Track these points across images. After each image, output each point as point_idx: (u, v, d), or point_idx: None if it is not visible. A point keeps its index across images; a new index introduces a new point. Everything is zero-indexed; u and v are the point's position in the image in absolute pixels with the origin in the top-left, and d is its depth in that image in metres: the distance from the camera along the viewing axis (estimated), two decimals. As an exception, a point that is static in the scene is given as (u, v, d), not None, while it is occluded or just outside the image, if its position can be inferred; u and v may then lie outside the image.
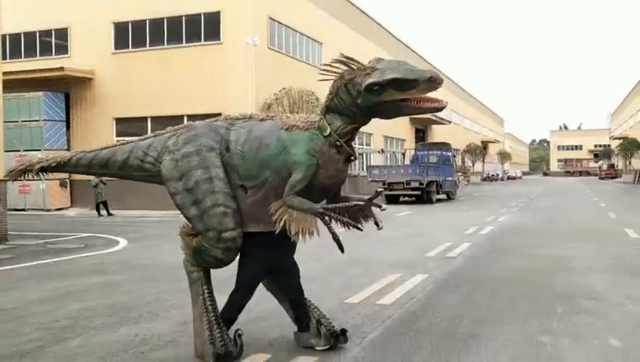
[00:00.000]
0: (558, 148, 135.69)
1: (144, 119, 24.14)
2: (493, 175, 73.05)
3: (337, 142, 4.04)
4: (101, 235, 13.88)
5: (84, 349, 4.66)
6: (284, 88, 21.81)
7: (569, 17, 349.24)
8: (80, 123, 25.01)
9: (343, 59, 3.95)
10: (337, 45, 30.27)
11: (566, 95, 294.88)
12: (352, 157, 4.16)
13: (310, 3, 27.46)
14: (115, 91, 24.14)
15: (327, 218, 3.99)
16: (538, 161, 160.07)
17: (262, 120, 4.40)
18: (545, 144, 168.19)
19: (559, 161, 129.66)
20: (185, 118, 23.38)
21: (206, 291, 4.38)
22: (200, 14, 23.29)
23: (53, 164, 5.00)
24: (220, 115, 19.30)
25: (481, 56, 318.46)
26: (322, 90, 16.97)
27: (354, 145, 4.30)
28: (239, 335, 4.30)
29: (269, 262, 4.38)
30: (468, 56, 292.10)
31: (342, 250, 4.06)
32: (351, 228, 4.07)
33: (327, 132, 4.04)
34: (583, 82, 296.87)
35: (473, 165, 62.75)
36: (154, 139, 4.70)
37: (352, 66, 3.89)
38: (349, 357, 4.36)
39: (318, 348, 4.40)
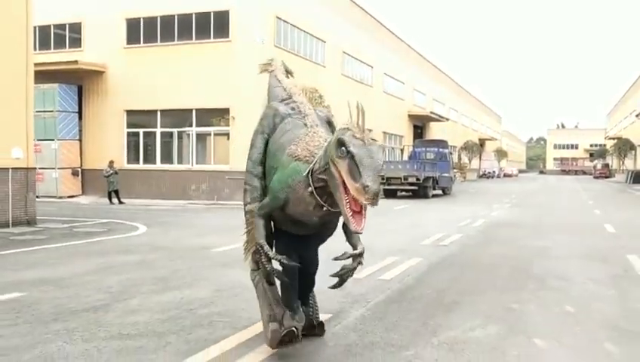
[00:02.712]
0: (555, 146, 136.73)
1: (154, 112, 25.18)
2: (489, 172, 74.22)
3: (309, 187, 3.88)
4: (119, 221, 14.96)
5: (143, 307, 5.78)
6: (289, 85, 22.91)
7: (570, 17, 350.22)
8: (92, 114, 26.03)
9: (359, 112, 3.60)
10: (340, 43, 31.36)
11: (565, 94, 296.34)
12: (324, 208, 3.91)
13: (315, 2, 28.48)
14: (126, 85, 25.11)
15: (257, 255, 4.20)
16: (535, 159, 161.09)
17: (305, 124, 4.39)
18: (542, 142, 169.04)
19: (555, 159, 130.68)
20: (193, 112, 24.51)
21: (266, 286, 4.51)
22: (210, 12, 24.25)
23: (269, 70, 5.44)
24: (227, 110, 20.57)
25: (481, 53, 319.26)
26: (325, 89, 18.64)
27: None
28: (298, 306, 4.45)
29: (295, 246, 4.41)
30: (468, 54, 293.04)
31: (269, 282, 4.39)
32: (275, 275, 4.22)
33: (306, 171, 3.92)
34: (582, 82, 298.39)
35: (470, 162, 63.89)
36: (276, 93, 5.03)
37: (359, 123, 3.57)
38: (357, 314, 5.47)
39: (292, 323, 4.40)
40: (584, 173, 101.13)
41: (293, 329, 4.29)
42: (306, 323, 4.54)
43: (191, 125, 24.73)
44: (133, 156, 25.82)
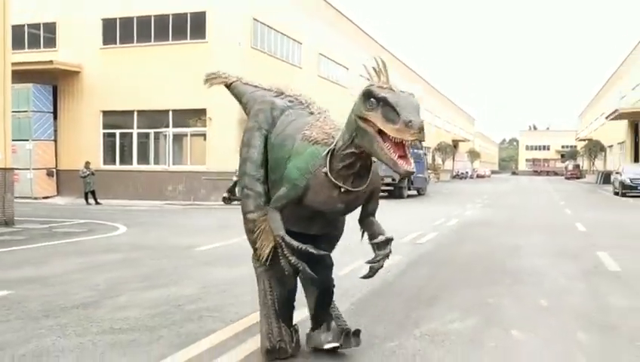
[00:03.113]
0: (527, 148, 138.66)
1: (130, 113, 25.17)
2: (462, 173, 75.17)
3: (324, 167, 3.68)
4: (98, 221, 14.98)
5: (132, 303, 5.91)
6: (265, 86, 23.05)
7: (542, 21, 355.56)
8: (67, 115, 25.87)
9: (380, 66, 3.50)
10: (316, 45, 31.58)
11: (537, 96, 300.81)
12: (342, 190, 3.69)
13: (291, 4, 28.65)
14: (102, 85, 25.03)
15: (279, 249, 3.84)
16: (507, 160, 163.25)
17: (311, 113, 4.23)
18: (514, 143, 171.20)
19: (527, 160, 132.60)
20: (170, 113, 24.52)
21: (267, 285, 4.26)
22: (186, 13, 24.31)
23: (227, 82, 5.06)
24: (204, 111, 20.67)
25: (455, 55, 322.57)
26: (301, 90, 18.76)
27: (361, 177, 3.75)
28: (295, 331, 4.26)
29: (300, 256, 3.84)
30: (442, 56, 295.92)
31: (300, 275, 4.07)
32: (301, 268, 3.79)
33: (325, 152, 3.71)
34: (554, 84, 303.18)
35: (443, 163, 64.61)
36: (257, 95, 4.64)
37: (381, 77, 3.46)
38: (342, 308, 5.64)
39: (325, 346, 4.20)
40: (556, 173, 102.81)
41: (286, 348, 4.13)
42: (338, 334, 4.18)
43: (167, 126, 24.76)
44: (109, 157, 25.75)
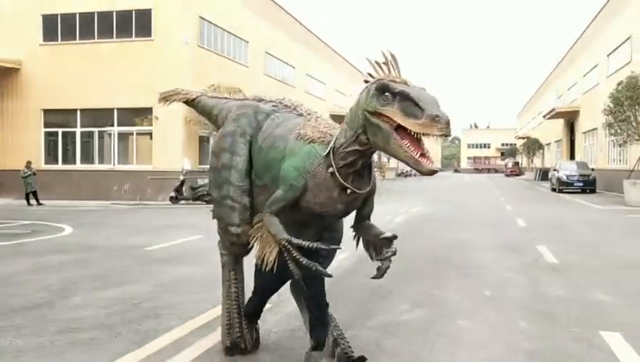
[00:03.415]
0: (468, 146, 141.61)
1: (73, 111, 24.63)
2: (407, 171, 76.32)
3: (330, 167, 3.46)
4: (43, 223, 14.67)
5: (87, 302, 5.92)
6: (212, 85, 22.97)
7: (483, 23, 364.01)
8: (5, 113, 25.13)
9: (390, 60, 3.32)
10: (263, 44, 31.60)
11: (478, 95, 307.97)
12: (348, 190, 3.52)
13: (237, 3, 28.60)
14: (43, 83, 24.44)
15: (286, 253, 3.55)
16: (450, 158, 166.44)
17: (300, 114, 4.03)
18: (456, 142, 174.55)
19: (469, 158, 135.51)
20: (115, 112, 24.14)
21: (232, 277, 4.23)
22: (131, 11, 23.99)
23: (190, 99, 4.86)
24: (150, 110, 20.41)
25: (401, 55, 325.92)
26: (249, 89, 18.99)
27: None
28: (256, 329, 4.26)
29: (285, 270, 3.63)
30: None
31: (300, 286, 3.79)
32: (314, 268, 3.53)
33: (326, 151, 3.50)
34: (495, 83, 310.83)
35: (389, 161, 65.54)
36: (232, 105, 4.46)
37: (392, 71, 3.28)
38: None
39: None
40: (496, 171, 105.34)
41: (245, 345, 4.14)
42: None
43: (112, 125, 24.35)
44: (51, 156, 25.16)
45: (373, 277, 3.81)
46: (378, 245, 3.85)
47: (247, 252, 4.15)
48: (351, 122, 3.43)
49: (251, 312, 4.20)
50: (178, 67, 22.87)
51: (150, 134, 23.81)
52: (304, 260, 3.49)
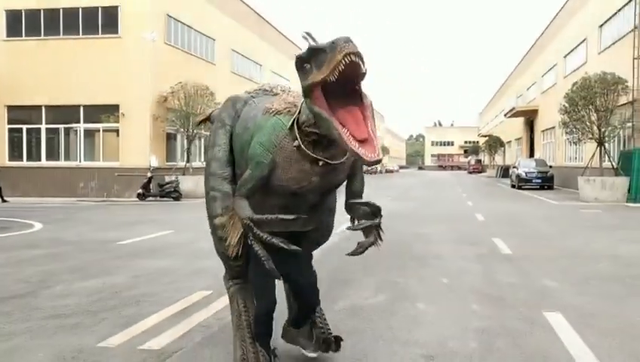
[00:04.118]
0: (432, 143, 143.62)
1: (38, 108, 24.50)
2: (372, 168, 77.18)
3: (295, 140, 3.19)
4: (10, 219, 14.77)
5: (68, 292, 6.23)
6: (180, 82, 23.20)
7: (446, 24, 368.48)
8: (-31, 109, 24.88)
9: (308, 38, 2.99)
10: (229, 42, 31.82)
11: (442, 93, 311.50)
12: (320, 163, 3.22)
13: (204, 1, 28.77)
14: (6, 79, 24.25)
15: (250, 233, 3.28)
16: (414, 156, 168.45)
17: (275, 94, 3.76)
18: (421, 139, 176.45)
19: (433, 155, 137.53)
20: (81, 108, 24.12)
21: (242, 305, 3.86)
22: (98, 7, 24.00)
23: (208, 115, 4.62)
24: (117, 106, 20.59)
25: (368, 53, 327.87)
26: (216, 86, 19.48)
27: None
28: (274, 355, 3.77)
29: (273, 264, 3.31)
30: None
31: (274, 274, 3.37)
32: (278, 244, 3.23)
33: (290, 123, 3.24)
34: (458, 81, 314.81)
35: (354, 158, 66.10)
36: None
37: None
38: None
39: (306, 353, 4.01)
40: (459, 168, 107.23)
41: None
42: (319, 343, 3.93)
43: (78, 121, 24.31)
44: (16, 153, 25.00)
45: (351, 253, 3.55)
46: (361, 219, 3.57)
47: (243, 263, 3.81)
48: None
49: (259, 330, 3.69)
50: (145, 64, 23.00)
51: (117, 131, 23.86)
52: (264, 235, 3.21)
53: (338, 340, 3.96)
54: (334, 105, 2.82)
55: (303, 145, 3.18)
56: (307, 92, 2.89)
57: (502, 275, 7.40)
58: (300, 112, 3.21)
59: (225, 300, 5.30)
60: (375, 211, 3.53)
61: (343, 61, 2.61)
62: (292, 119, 3.23)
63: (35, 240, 10.81)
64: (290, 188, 3.34)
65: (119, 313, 5.34)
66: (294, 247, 3.28)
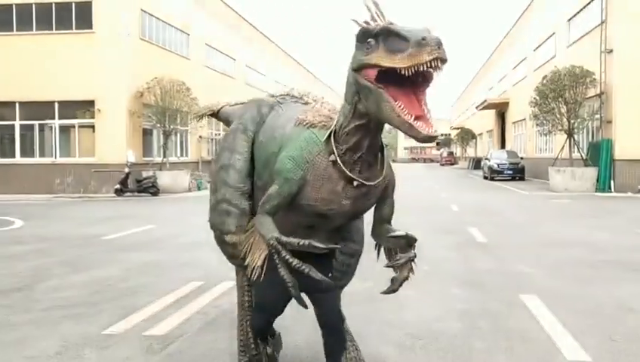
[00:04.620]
0: (405, 136, 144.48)
1: (11, 104, 24.24)
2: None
3: (332, 154, 2.91)
4: (-12, 216, 14.75)
5: (64, 285, 6.42)
6: (155, 78, 23.22)
7: (416, 15, 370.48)
8: (-60, 106, 24.55)
9: (376, 11, 2.69)
10: (203, 36, 31.84)
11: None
12: (354, 183, 2.94)
13: (178, -5, 28.77)
14: (-22, 75, 23.98)
15: (275, 255, 2.92)
16: (387, 148, 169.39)
17: (306, 103, 3.54)
18: (393, 132, 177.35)
19: (405, 148, 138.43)
20: (56, 105, 23.97)
21: (246, 284, 3.73)
22: (71, 2, 23.83)
23: (215, 110, 4.30)
24: (92, 102, 20.53)
25: (339, 47, 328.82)
26: (191, 81, 19.66)
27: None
28: (272, 348, 3.73)
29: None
30: (329, 50, 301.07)
31: (300, 302, 3.03)
32: (307, 271, 2.87)
33: (326, 135, 2.96)
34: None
35: (328, 152, 66.48)
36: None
37: (378, 20, 2.66)
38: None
39: None
40: (432, 160, 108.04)
41: None
42: None
43: (53, 117, 24.16)
44: (-11, 150, 24.74)
45: (385, 292, 3.49)
46: (393, 249, 3.46)
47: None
48: (346, 94, 2.86)
49: (256, 328, 3.60)
50: (120, 59, 22.94)
51: (93, 127, 23.77)
52: (294, 261, 2.88)
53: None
54: (386, 85, 2.59)
55: (339, 160, 2.90)
56: (361, 67, 2.66)
57: (479, 262, 7.78)
58: (337, 121, 2.95)
59: (218, 290, 5.58)
60: (411, 243, 3.37)
61: (430, 64, 2.39)
62: (328, 132, 2.96)
63: (19, 236, 10.90)
64: (317, 209, 3.05)
65: (118, 303, 5.56)
66: (323, 278, 2.95)
